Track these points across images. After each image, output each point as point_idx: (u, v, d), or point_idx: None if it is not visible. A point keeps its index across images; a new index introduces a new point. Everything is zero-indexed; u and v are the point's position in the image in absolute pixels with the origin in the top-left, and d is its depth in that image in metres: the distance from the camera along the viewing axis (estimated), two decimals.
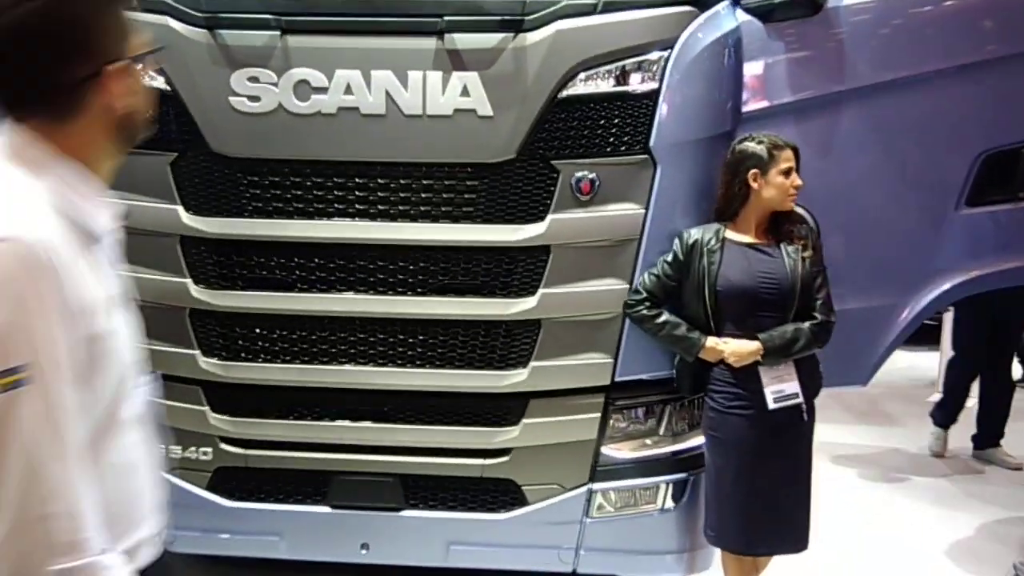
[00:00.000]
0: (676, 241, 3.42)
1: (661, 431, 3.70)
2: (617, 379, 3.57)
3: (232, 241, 3.51)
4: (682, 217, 3.51)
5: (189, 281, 3.50)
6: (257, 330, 3.58)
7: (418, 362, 3.56)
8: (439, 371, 3.55)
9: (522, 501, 3.68)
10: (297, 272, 3.52)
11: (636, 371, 3.58)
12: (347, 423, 3.63)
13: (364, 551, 3.76)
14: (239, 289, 3.53)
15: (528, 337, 3.54)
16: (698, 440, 3.73)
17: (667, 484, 3.71)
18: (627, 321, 3.50)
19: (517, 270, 3.48)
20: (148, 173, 3.46)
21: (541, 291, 3.46)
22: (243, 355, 3.59)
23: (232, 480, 3.74)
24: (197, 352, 3.57)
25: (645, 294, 3.39)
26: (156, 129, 3.63)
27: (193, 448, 3.69)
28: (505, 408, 3.61)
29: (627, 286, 3.49)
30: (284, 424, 3.64)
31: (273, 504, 3.73)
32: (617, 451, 3.66)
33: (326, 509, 3.72)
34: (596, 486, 3.66)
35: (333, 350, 3.58)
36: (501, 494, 3.70)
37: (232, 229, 3.48)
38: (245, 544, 3.79)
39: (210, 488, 3.72)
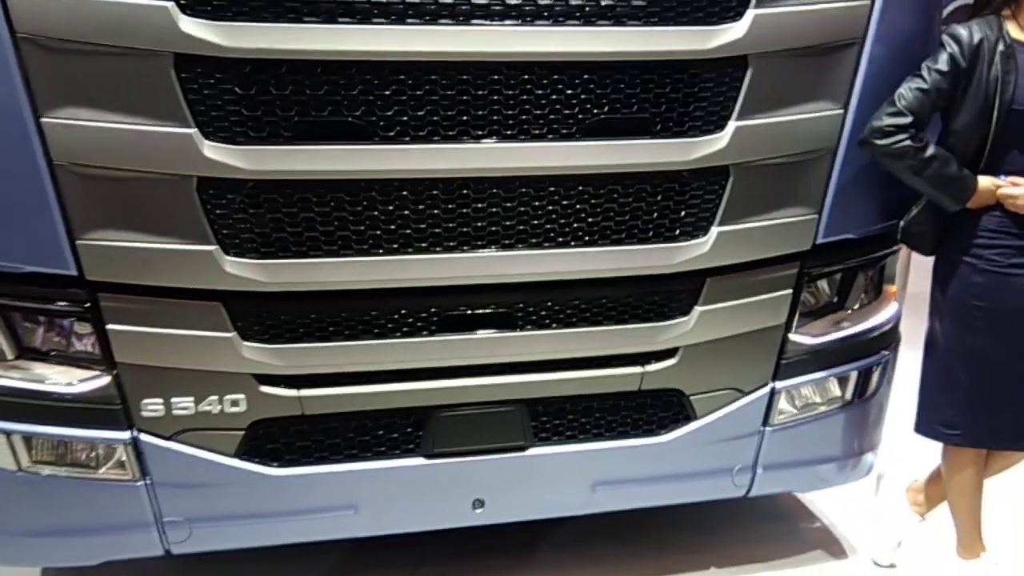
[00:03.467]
0: (950, 43, 2.57)
1: (856, 304, 3.01)
2: (819, 241, 2.81)
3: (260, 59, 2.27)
4: (922, 14, 2.70)
5: (193, 132, 2.27)
6: (308, 199, 2.35)
7: (556, 238, 2.56)
8: (588, 249, 2.57)
9: (688, 416, 2.87)
10: (362, 103, 2.30)
11: (844, 228, 2.78)
12: (450, 335, 2.61)
13: (478, 510, 2.83)
14: (269, 145, 2.31)
15: (713, 191, 2.62)
16: (889, 312, 3.14)
17: (858, 372, 3.07)
18: (836, 162, 2.75)
19: (701, 95, 2.55)
20: None
21: (734, 123, 2.57)
22: (286, 246, 2.41)
23: (276, 438, 2.60)
24: (214, 248, 2.40)
25: (911, 117, 2.57)
26: None
27: (214, 399, 2.53)
28: (674, 294, 2.71)
29: (840, 111, 2.70)
30: (354, 346, 2.54)
31: (344, 464, 2.66)
32: (806, 336, 2.90)
33: (421, 461, 2.72)
34: (780, 384, 2.92)
35: (424, 226, 2.45)
36: (662, 410, 2.85)
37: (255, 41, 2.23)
38: (303, 526, 2.69)
39: (243, 454, 2.58)
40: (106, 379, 2.44)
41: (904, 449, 3.37)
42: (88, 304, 2.37)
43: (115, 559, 2.60)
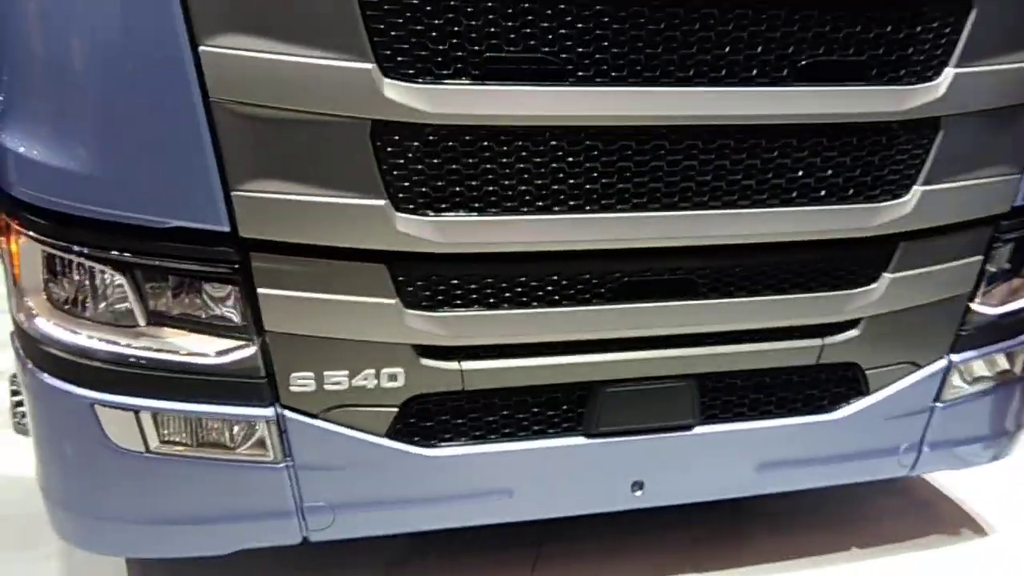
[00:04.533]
0: None
1: None
2: (1018, 203, 2.60)
3: None
4: None
5: (371, 67, 1.97)
6: (490, 147, 2.07)
7: (752, 196, 2.29)
8: (784, 209, 2.32)
9: (862, 392, 2.70)
10: (555, 38, 2.01)
11: None
12: (629, 304, 2.36)
13: (637, 493, 2.66)
14: (454, 85, 2.04)
15: (920, 146, 2.43)
16: None
17: None
18: None
19: (921, 36, 2.31)
20: None
21: (952, 70, 2.34)
22: (463, 202, 2.12)
23: (431, 415, 2.38)
24: (384, 203, 2.13)
25: None
26: None
27: (370, 372, 2.29)
28: (865, 259, 2.51)
29: None
30: (527, 315, 2.28)
31: (500, 444, 2.46)
32: (987, 306, 2.73)
33: (581, 440, 2.52)
34: (956, 357, 2.74)
35: (614, 180, 2.17)
36: (836, 385, 2.67)
37: None
38: (452, 512, 2.50)
39: (394, 433, 2.37)
40: (251, 349, 2.17)
41: None
42: (238, 265, 2.10)
43: (248, 548, 2.39)
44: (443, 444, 2.40)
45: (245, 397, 2.22)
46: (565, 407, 2.48)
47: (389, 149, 2.04)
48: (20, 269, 2.14)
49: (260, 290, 2.12)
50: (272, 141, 1.99)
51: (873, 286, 2.53)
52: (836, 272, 2.51)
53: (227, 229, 2.04)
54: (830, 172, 2.36)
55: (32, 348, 2.20)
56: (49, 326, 2.15)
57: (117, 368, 2.15)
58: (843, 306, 2.53)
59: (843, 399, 2.69)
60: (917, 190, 2.43)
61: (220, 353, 2.17)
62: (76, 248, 2.09)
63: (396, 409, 2.32)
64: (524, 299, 2.29)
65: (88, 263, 2.09)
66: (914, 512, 3.35)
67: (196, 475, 2.29)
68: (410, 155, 2.06)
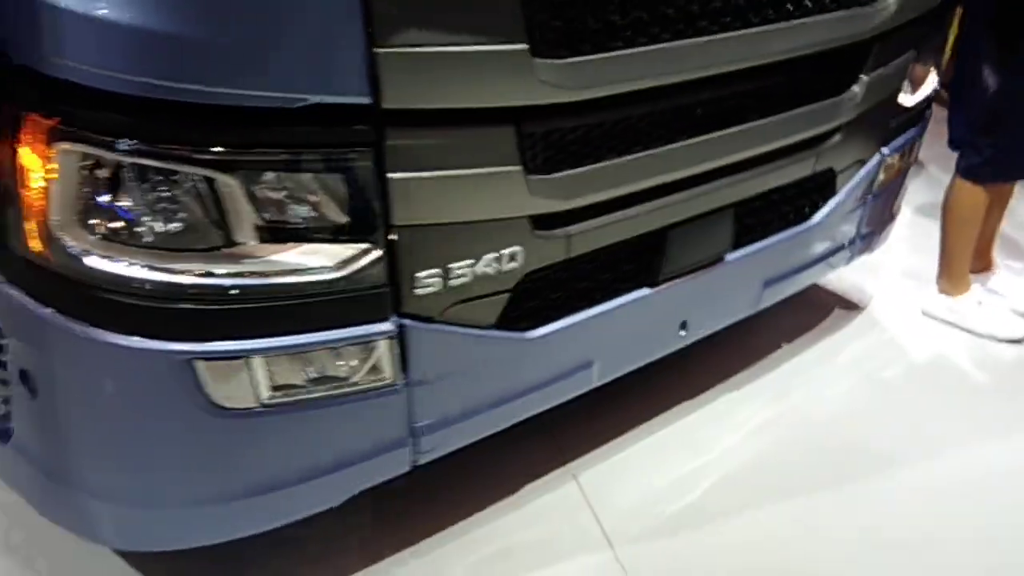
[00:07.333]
0: None
1: (927, 66, 3.21)
2: None
3: None
4: None
5: None
6: None
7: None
8: (805, 20, 2.35)
9: (832, 191, 2.94)
10: None
11: None
12: (710, 135, 2.27)
13: (682, 332, 2.65)
14: None
15: None
16: (936, 78, 3.37)
17: (918, 136, 3.35)
18: None
19: None
20: None
21: None
22: (592, 38, 1.86)
23: (535, 295, 2.16)
24: (525, 47, 1.76)
25: None
26: None
27: (491, 256, 1.96)
28: (853, 64, 2.66)
29: None
30: (628, 162, 2.11)
31: (590, 310, 2.31)
32: (905, 97, 3.09)
33: (646, 292, 2.44)
34: (885, 150, 3.08)
35: None
36: (817, 192, 2.88)
37: None
38: (544, 394, 2.30)
39: (504, 321, 2.10)
40: (377, 252, 1.78)
41: None
42: (371, 146, 1.68)
43: (360, 491, 2.02)
44: (544, 322, 2.22)
45: (366, 312, 1.83)
46: (638, 259, 2.41)
47: None
48: (54, 185, 1.50)
49: (391, 175, 1.74)
50: None
51: (856, 90, 2.74)
52: (835, 81, 2.68)
53: (369, 101, 1.62)
54: None
55: (76, 299, 1.60)
56: (115, 264, 1.57)
57: (220, 306, 1.65)
58: (838, 112, 2.71)
59: (820, 204, 2.93)
60: None
61: (342, 264, 1.75)
62: (159, 148, 1.52)
63: (509, 293, 2.09)
64: (630, 144, 2.14)
65: (177, 167, 1.53)
66: (805, 304, 3.75)
67: (307, 422, 1.86)
68: None
